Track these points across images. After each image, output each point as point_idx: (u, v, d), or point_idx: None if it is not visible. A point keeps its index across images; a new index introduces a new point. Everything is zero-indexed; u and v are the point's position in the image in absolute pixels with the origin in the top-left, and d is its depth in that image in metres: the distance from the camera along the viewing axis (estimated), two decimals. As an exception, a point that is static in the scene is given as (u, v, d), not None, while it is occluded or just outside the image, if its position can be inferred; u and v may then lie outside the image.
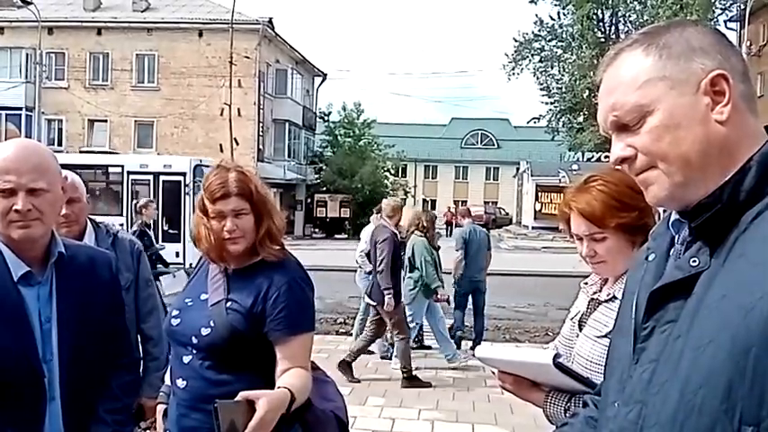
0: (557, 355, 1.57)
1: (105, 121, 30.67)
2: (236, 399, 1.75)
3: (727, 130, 0.97)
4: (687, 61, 0.99)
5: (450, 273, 8.27)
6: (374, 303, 6.88)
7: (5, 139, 2.06)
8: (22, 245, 1.80)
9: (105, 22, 30.69)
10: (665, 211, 1.13)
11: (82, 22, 30.54)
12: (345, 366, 6.79)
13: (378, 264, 6.68)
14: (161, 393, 2.23)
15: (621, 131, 1.03)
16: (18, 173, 1.74)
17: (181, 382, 2.03)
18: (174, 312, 2.11)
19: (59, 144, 30.00)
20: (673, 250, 1.06)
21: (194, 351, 2.01)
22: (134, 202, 10.35)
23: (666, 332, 0.98)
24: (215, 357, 1.98)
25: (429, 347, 8.19)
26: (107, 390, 1.98)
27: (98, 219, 2.96)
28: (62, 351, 1.82)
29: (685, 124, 0.98)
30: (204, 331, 1.99)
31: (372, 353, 7.66)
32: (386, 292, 6.62)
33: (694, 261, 0.97)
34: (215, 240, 2.04)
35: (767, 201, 0.93)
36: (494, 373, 1.75)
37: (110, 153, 22.72)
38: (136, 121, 30.61)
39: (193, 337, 2.00)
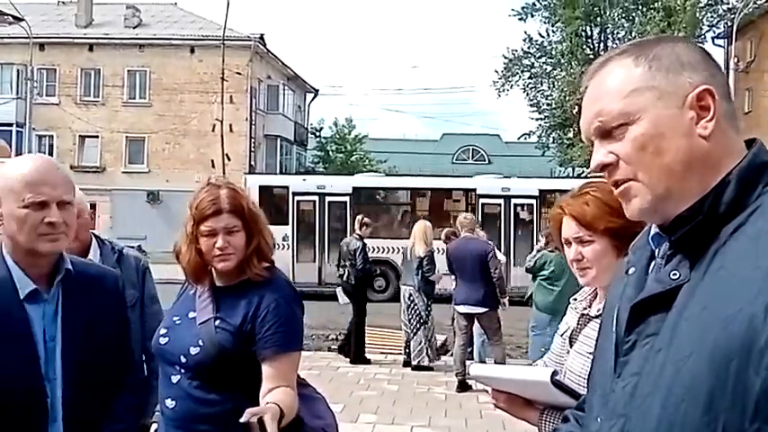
0: (554, 373, 1.56)
1: (96, 137, 30.54)
2: (247, 419, 1.67)
3: (710, 145, 0.98)
4: (676, 74, 1.00)
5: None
6: (482, 311, 7.37)
7: None
8: (38, 260, 1.79)
9: (97, 38, 30.67)
10: None
11: (73, 38, 30.51)
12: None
13: (494, 270, 7.36)
14: (155, 413, 2.20)
15: (604, 138, 1.04)
16: (53, 185, 1.76)
17: (170, 402, 2.01)
18: (162, 331, 2.09)
19: (50, 160, 29.87)
20: (653, 264, 1.06)
21: (183, 370, 1.99)
22: (359, 216, 9.40)
23: (648, 345, 0.98)
24: (204, 377, 1.96)
25: (431, 369, 8.11)
26: (111, 411, 1.92)
27: None
28: (66, 371, 1.79)
29: (669, 135, 0.99)
30: (193, 350, 1.97)
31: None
32: (504, 297, 7.43)
33: (674, 274, 0.98)
34: (195, 260, 2.03)
35: (747, 213, 0.94)
36: (487, 392, 1.74)
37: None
38: (127, 137, 30.50)
39: (182, 357, 1.98)
